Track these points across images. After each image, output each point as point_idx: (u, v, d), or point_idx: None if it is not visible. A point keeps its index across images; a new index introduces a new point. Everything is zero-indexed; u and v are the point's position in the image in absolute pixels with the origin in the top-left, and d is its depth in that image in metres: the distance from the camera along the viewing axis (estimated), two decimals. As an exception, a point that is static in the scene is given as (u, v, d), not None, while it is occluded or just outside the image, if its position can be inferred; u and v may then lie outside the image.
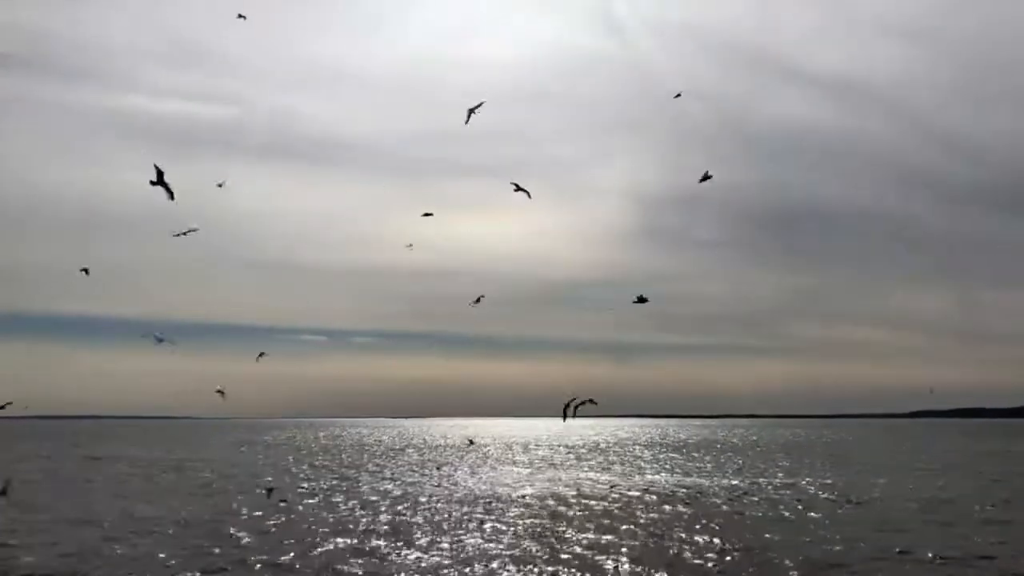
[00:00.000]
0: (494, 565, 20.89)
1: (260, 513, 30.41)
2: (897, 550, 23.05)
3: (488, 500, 34.49)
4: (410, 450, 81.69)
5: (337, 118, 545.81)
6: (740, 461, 63.80)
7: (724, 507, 32.84)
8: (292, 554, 22.37)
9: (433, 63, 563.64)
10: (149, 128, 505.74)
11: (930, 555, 22.34)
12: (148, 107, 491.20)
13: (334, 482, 43.73)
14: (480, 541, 24.27)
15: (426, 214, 33.99)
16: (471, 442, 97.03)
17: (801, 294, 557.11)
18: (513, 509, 31.59)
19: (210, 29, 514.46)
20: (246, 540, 24.68)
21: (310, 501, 34.56)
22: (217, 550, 22.97)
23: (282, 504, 32.98)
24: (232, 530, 26.38)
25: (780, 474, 49.92)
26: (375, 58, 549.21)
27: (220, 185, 38.67)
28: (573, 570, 20.47)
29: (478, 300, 34.26)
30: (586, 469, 54.22)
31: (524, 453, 75.50)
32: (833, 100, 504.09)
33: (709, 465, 59.02)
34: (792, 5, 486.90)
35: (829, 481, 44.58)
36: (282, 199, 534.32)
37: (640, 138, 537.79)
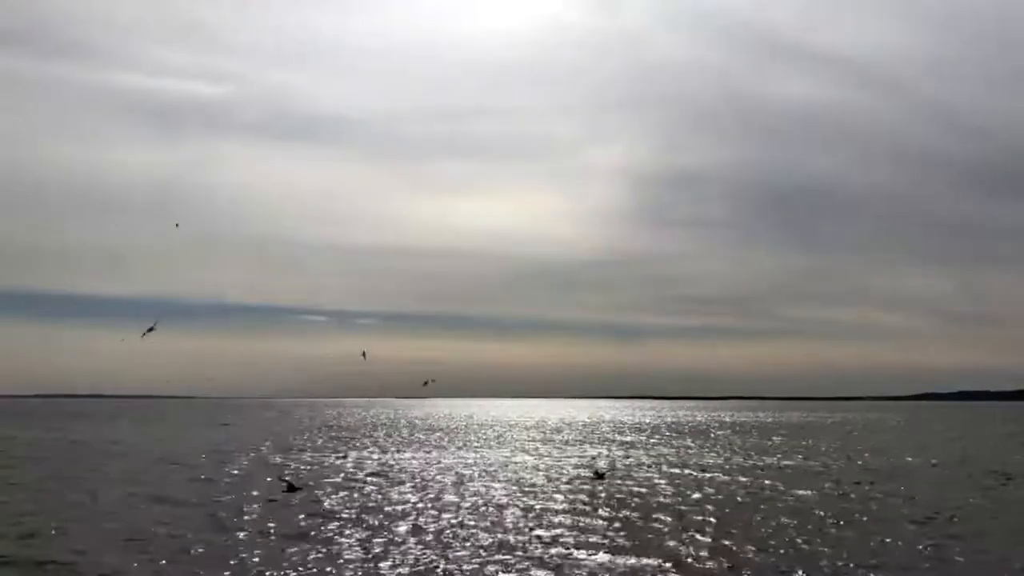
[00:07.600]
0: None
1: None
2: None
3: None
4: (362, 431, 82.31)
5: (333, 95, 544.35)
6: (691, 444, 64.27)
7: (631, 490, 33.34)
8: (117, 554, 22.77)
9: (429, 40, 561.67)
10: (144, 105, 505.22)
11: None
12: (143, 84, 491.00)
13: (253, 461, 44.25)
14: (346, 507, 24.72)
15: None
16: (427, 381, 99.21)
17: (801, 275, 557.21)
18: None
19: (205, 6, 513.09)
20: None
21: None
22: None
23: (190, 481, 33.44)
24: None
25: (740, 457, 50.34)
26: (371, 35, 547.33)
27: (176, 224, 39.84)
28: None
29: (430, 382, 34.31)
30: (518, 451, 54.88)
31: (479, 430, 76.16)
32: (834, 79, 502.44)
33: (656, 442, 59.59)
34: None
35: (749, 463, 45.18)
36: (278, 177, 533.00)
37: (638, 117, 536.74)
